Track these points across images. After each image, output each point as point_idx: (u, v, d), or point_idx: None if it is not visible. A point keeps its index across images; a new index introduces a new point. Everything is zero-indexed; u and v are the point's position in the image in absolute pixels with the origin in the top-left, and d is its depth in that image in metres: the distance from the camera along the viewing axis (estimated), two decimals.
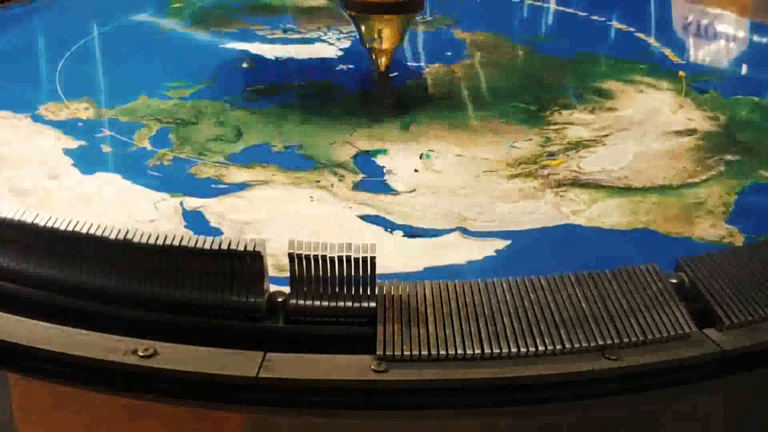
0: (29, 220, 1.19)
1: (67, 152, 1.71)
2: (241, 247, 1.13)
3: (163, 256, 1.15)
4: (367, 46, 1.98)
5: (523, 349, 1.09)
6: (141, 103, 1.95)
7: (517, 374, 1.08)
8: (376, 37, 1.95)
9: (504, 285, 1.19)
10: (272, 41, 2.39)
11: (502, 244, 1.44)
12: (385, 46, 1.98)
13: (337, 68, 2.23)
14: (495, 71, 2.24)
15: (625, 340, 1.11)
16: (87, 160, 1.68)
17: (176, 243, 1.14)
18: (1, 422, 1.16)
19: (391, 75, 2.08)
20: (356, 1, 1.94)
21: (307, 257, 1.12)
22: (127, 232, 1.16)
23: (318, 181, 1.62)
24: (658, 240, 1.46)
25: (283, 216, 1.51)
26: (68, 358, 1.11)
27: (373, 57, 2.00)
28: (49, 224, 1.18)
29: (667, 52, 2.33)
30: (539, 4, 2.85)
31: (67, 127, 1.82)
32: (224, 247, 1.13)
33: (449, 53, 2.34)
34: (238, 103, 1.96)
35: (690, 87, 2.07)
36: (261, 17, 2.59)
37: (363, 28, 1.96)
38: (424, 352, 1.08)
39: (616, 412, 1.13)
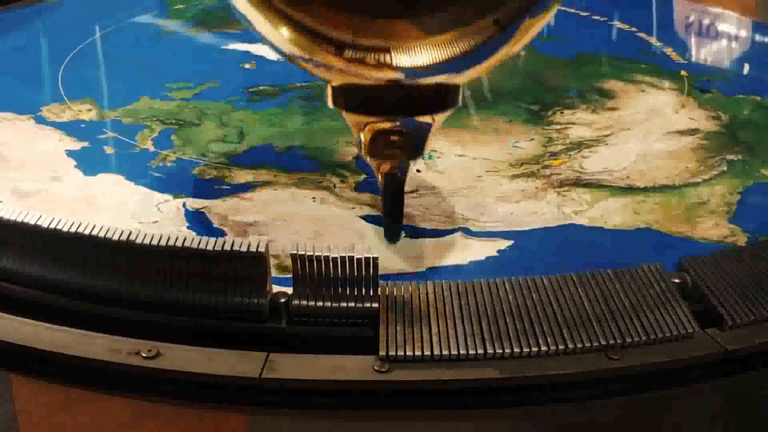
0: (32, 222, 1.19)
1: (70, 153, 1.72)
2: (243, 248, 1.13)
3: (165, 258, 1.15)
4: (369, 161, 1.24)
5: (525, 350, 1.09)
6: (143, 104, 1.95)
7: (519, 374, 1.08)
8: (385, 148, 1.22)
9: (506, 285, 1.19)
10: None
11: (504, 244, 1.44)
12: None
13: None
14: (497, 72, 2.24)
15: (628, 340, 1.11)
16: (90, 162, 1.68)
17: (179, 244, 1.14)
18: (5, 424, 1.17)
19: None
20: (355, 91, 1.15)
21: (310, 258, 1.13)
22: (129, 234, 1.16)
23: (320, 182, 1.62)
24: (660, 240, 1.45)
25: (285, 217, 1.51)
26: (72, 360, 1.11)
27: (379, 172, 1.25)
28: (52, 226, 1.18)
29: (669, 51, 2.33)
30: None
31: (70, 128, 1.82)
32: (227, 248, 1.13)
33: None
34: (240, 104, 1.96)
35: (692, 86, 2.07)
36: None
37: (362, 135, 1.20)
38: (427, 353, 1.08)
39: (619, 412, 1.13)
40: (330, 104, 1.21)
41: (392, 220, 1.31)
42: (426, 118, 1.20)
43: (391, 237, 1.33)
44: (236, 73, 2.18)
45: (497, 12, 1.06)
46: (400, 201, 1.29)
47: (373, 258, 1.12)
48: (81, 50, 2.28)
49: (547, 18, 1.13)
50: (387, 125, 1.20)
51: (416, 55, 1.07)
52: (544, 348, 1.09)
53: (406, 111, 1.18)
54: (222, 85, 2.06)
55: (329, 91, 1.20)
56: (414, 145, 1.22)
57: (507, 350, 1.09)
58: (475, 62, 1.12)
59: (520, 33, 1.09)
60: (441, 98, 1.18)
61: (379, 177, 1.26)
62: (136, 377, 1.10)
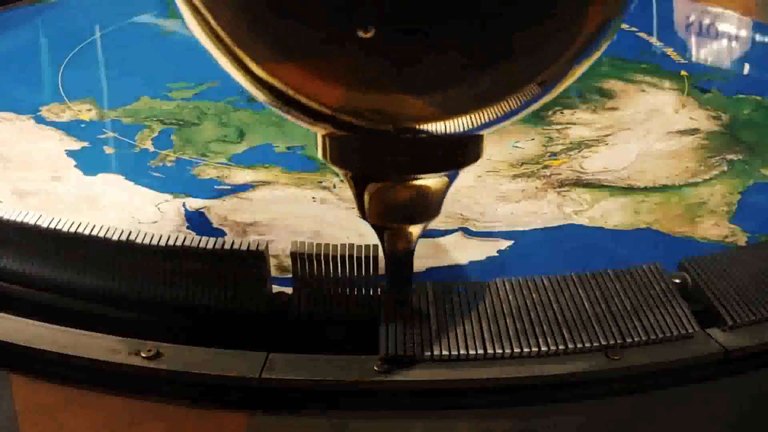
0: (32, 222, 1.19)
1: (70, 153, 1.72)
2: (243, 248, 1.13)
3: (165, 257, 1.15)
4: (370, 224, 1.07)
5: (525, 350, 1.09)
6: (143, 104, 1.95)
7: (519, 375, 1.08)
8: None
9: (506, 285, 1.19)
10: None
11: (504, 244, 1.44)
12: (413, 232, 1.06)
13: None
14: None
15: (628, 340, 1.11)
16: (89, 162, 1.68)
17: (179, 244, 1.14)
18: (5, 424, 1.17)
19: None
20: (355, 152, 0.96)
21: (310, 257, 1.12)
22: (129, 233, 1.16)
23: (320, 182, 1.62)
24: (660, 240, 1.45)
25: (285, 217, 1.51)
26: (72, 360, 1.11)
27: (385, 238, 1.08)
28: (52, 225, 1.18)
29: (669, 51, 2.33)
30: None
31: (70, 128, 1.83)
32: (227, 247, 1.13)
33: None
34: (240, 104, 1.96)
35: (692, 86, 2.07)
36: None
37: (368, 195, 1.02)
38: (427, 353, 1.08)
39: (620, 412, 1.12)
40: (320, 155, 0.94)
41: (399, 289, 1.06)
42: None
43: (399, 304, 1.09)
44: None
45: (543, 74, 0.85)
46: (408, 270, 1.02)
47: (373, 257, 1.12)
48: (81, 50, 2.28)
49: (594, 59, 0.91)
50: (393, 184, 0.93)
51: (432, 128, 0.82)
52: (544, 348, 1.09)
53: (417, 169, 0.92)
54: (222, 85, 2.06)
55: (319, 141, 0.93)
56: (427, 206, 0.96)
57: (507, 350, 1.09)
58: (509, 119, 0.91)
59: (564, 81, 0.91)
60: (460, 153, 0.94)
61: (384, 244, 0.99)
62: (136, 377, 1.10)
